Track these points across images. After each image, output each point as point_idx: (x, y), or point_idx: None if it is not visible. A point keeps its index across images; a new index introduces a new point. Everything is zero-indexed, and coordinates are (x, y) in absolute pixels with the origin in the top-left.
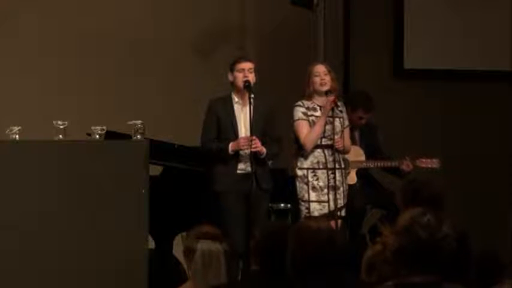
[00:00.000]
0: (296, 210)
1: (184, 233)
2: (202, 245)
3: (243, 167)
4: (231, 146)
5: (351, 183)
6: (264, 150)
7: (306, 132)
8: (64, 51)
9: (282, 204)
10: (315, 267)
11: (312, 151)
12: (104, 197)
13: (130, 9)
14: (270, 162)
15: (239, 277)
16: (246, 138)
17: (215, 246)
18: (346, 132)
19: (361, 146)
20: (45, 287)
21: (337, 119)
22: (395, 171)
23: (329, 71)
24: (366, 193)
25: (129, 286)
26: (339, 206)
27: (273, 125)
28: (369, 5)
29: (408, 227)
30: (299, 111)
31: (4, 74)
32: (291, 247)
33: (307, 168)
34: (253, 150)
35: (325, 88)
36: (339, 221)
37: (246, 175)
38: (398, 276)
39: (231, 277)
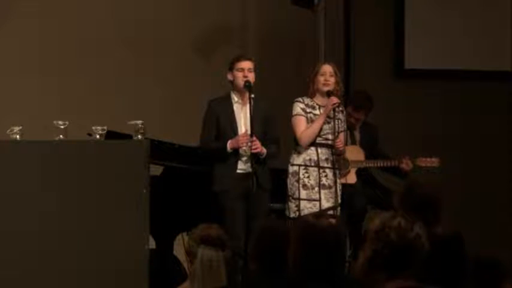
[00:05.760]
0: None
1: (185, 233)
2: (204, 252)
3: (243, 167)
4: (229, 144)
5: (351, 182)
6: (264, 150)
7: (303, 128)
8: (64, 51)
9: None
10: (317, 266)
11: (306, 148)
12: (104, 197)
13: (131, 9)
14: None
15: (239, 277)
16: (244, 135)
17: (216, 254)
18: (342, 135)
19: (361, 146)
20: (45, 287)
21: (335, 121)
22: (395, 171)
23: (335, 73)
24: (366, 193)
25: (129, 286)
26: (331, 205)
27: (273, 125)
28: (369, 5)
29: (379, 232)
30: (298, 107)
31: (4, 74)
32: (292, 245)
33: (299, 165)
34: (253, 151)
35: (327, 89)
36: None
37: (246, 175)
38: (373, 284)
39: (230, 284)
